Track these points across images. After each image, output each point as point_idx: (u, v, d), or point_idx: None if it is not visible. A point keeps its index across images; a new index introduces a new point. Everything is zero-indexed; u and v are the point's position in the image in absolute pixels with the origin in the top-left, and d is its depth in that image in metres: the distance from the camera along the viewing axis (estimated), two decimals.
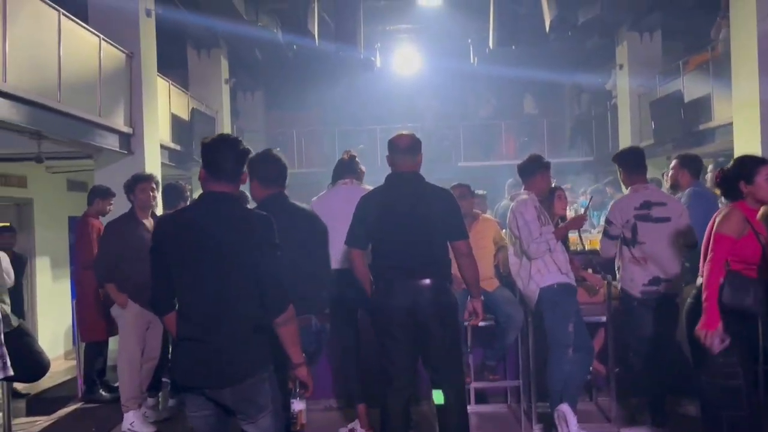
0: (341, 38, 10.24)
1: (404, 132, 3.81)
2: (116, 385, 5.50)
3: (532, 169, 4.39)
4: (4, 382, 4.37)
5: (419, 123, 16.51)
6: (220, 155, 2.64)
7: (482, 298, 3.85)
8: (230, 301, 2.57)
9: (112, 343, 5.88)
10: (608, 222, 4.43)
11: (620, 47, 12.70)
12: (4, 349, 2.72)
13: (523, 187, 4.47)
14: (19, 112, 5.52)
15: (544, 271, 4.23)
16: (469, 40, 13.11)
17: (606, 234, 4.44)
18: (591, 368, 4.56)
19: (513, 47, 11.41)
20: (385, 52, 14.09)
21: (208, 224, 2.60)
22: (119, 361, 4.92)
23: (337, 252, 3.85)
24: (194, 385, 2.59)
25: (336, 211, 3.95)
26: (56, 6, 6.27)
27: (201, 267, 2.58)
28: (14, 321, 4.01)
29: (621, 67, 12.66)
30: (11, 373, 2.75)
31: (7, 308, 3.94)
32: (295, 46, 10.97)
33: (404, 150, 3.67)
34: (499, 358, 5.03)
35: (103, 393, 5.82)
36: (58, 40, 6.27)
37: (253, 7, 10.99)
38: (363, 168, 4.64)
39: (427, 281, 3.50)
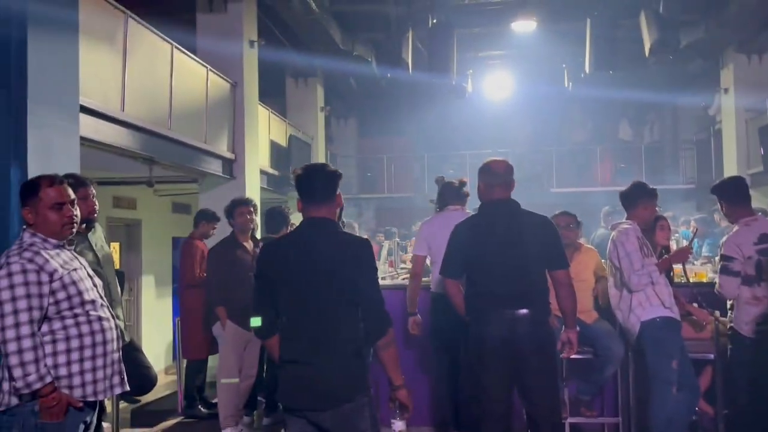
0: (434, 67, 10.32)
1: (496, 158, 3.73)
2: (214, 401, 5.70)
3: (636, 197, 4.24)
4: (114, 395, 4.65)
5: (510, 148, 16.36)
6: (311, 182, 2.73)
7: (577, 329, 3.74)
8: (333, 324, 2.62)
9: (212, 360, 6.11)
10: (727, 258, 4.07)
11: (725, 70, 12.15)
12: (123, 365, 2.87)
13: (624, 215, 4.34)
14: (134, 139, 5.91)
15: (645, 305, 4.07)
16: (564, 65, 12.91)
17: (727, 271, 4.06)
18: (697, 408, 4.33)
19: (610, 72, 11.14)
20: (477, 78, 14.08)
21: (310, 249, 2.67)
22: (218, 379, 5.11)
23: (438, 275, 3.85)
24: (296, 407, 2.64)
25: (446, 237, 3.90)
26: (169, 39, 6.70)
27: (304, 290, 2.65)
28: (126, 336, 4.24)
29: (726, 90, 12.10)
30: (128, 388, 2.90)
31: (122, 324, 4.19)
32: (388, 75, 11.16)
33: (499, 176, 3.59)
34: (595, 393, 4.86)
35: (202, 409, 6.01)
36: (170, 72, 6.68)
37: (350, 37, 11.30)
38: (468, 192, 4.65)
39: (525, 311, 3.42)
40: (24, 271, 2.55)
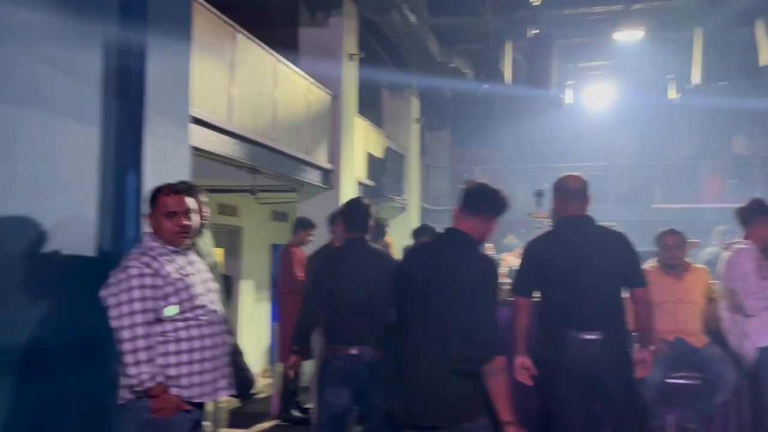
0: (533, 78, 10.13)
1: (572, 173, 3.62)
2: (308, 406, 5.79)
3: (754, 215, 3.98)
4: None
5: (609, 162, 15.82)
6: (476, 195, 2.76)
7: (653, 348, 3.53)
8: (450, 342, 2.57)
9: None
10: None
11: None
12: (229, 369, 2.96)
13: (740, 234, 4.08)
14: (240, 149, 6.13)
15: (762, 330, 3.81)
16: (670, 75, 12.36)
17: None
18: None
19: (720, 82, 10.58)
20: (577, 89, 13.73)
21: (437, 262, 2.66)
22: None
23: None
24: (409, 423, 2.62)
25: None
26: (274, 53, 6.92)
27: (425, 303, 2.63)
28: (230, 339, 4.38)
29: None
30: (234, 392, 2.99)
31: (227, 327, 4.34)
32: (485, 86, 11.08)
33: (573, 192, 3.48)
34: (701, 421, 4.56)
35: (296, 413, 6.13)
36: (274, 84, 6.91)
37: (447, 49, 11.30)
38: None
39: (600, 333, 3.28)
40: (141, 275, 2.68)
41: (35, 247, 3.14)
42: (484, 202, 2.76)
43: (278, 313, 6.33)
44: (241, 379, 4.36)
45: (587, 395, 3.37)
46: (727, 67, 10.53)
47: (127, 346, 2.63)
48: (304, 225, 6.29)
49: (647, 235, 6.54)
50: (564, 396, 3.34)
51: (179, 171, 4.02)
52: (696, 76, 10.38)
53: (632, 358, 3.45)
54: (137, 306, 2.65)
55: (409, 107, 13.55)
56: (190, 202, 2.89)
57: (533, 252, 3.53)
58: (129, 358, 2.63)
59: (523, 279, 3.49)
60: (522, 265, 3.54)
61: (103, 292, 2.70)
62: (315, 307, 3.75)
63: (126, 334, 2.62)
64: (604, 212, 5.11)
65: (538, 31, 10.10)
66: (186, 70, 4.30)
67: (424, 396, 2.57)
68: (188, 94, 4.36)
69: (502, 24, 10.33)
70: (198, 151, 5.33)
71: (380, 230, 5.74)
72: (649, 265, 4.65)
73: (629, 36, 11.29)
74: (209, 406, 4.46)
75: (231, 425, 6.22)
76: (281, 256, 6.38)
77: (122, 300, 2.65)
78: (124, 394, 2.74)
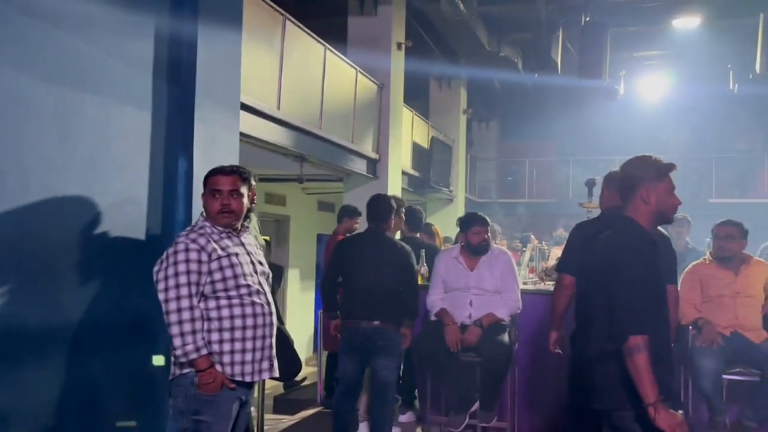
0: (585, 68, 9.87)
1: None
2: None
3: None
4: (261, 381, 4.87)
5: (664, 154, 15.34)
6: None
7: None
8: (592, 322, 2.58)
9: None
10: None
11: None
12: (274, 351, 2.98)
13: None
14: (288, 137, 6.17)
15: None
16: (729, 65, 11.91)
17: None
18: None
19: None
20: (630, 79, 13.35)
21: (593, 248, 2.70)
22: None
23: None
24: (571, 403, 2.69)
25: None
26: (323, 41, 6.93)
27: (578, 288, 2.77)
28: (278, 324, 4.41)
29: None
30: (277, 374, 3.01)
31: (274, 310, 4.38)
32: (536, 75, 10.88)
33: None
34: (764, 420, 4.39)
35: None
36: (322, 73, 6.92)
37: (496, 39, 11.15)
38: None
39: None
40: (187, 250, 2.74)
41: (90, 228, 3.21)
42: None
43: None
44: (290, 364, 4.41)
45: None
46: None
47: (172, 318, 2.68)
48: (349, 213, 6.28)
49: (703, 231, 6.33)
50: None
51: (229, 156, 4.05)
52: (759, 65, 9.95)
53: None
54: (182, 279, 2.70)
55: (457, 98, 13.43)
56: (236, 183, 2.89)
57: (578, 233, 3.73)
58: (174, 330, 2.68)
59: (567, 256, 3.72)
60: (567, 244, 3.77)
61: (154, 269, 2.77)
62: (332, 285, 4.46)
63: (171, 306, 2.68)
64: None
65: (590, 19, 9.85)
66: (237, 57, 4.33)
67: (577, 378, 2.62)
68: (239, 81, 4.39)
69: (554, 12, 10.11)
70: (246, 138, 5.38)
71: (416, 221, 5.72)
72: (704, 258, 4.51)
73: (687, 23, 10.93)
74: (255, 392, 4.52)
75: (276, 411, 6.30)
76: (327, 244, 6.40)
77: (168, 274, 2.71)
78: (174, 370, 2.80)
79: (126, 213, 3.45)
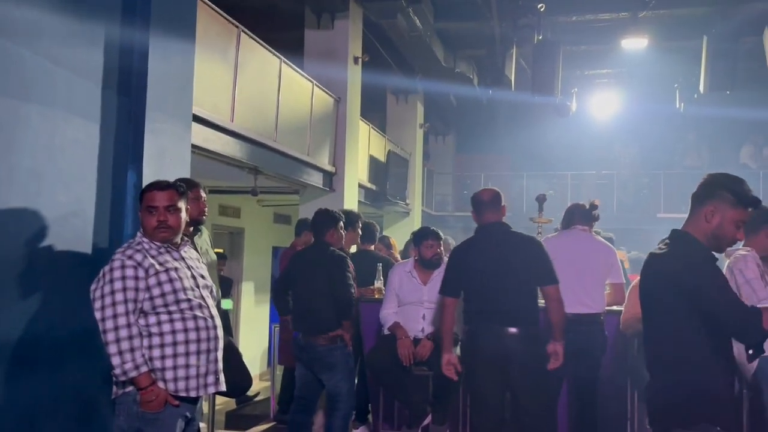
0: (538, 85, 10.09)
1: (486, 188, 4.04)
2: None
3: (760, 224, 3.95)
4: (211, 396, 4.78)
5: (614, 170, 15.76)
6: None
7: (562, 343, 3.74)
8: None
9: None
10: None
11: None
12: (219, 365, 2.94)
13: (742, 243, 4.04)
14: (242, 149, 6.12)
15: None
16: (676, 84, 12.32)
17: None
18: None
19: (727, 92, 10.51)
20: (582, 97, 13.68)
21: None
22: None
23: (566, 293, 3.83)
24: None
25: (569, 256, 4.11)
26: (278, 54, 6.92)
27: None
28: (225, 337, 4.35)
29: None
30: (223, 388, 2.97)
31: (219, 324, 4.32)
32: (490, 91, 11.06)
33: (486, 203, 3.84)
34: None
35: None
36: (278, 85, 6.90)
37: (452, 54, 11.29)
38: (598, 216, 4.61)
39: (514, 329, 3.60)
40: (123, 267, 2.72)
41: (33, 242, 3.13)
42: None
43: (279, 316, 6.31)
44: (239, 379, 4.35)
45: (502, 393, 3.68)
46: (734, 76, 10.46)
47: (109, 336, 2.64)
48: (307, 226, 6.25)
49: (651, 244, 6.51)
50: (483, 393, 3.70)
51: (179, 169, 4.00)
52: (702, 86, 10.31)
53: (544, 357, 3.69)
54: (119, 297, 2.67)
55: (414, 112, 13.55)
56: (173, 198, 2.86)
57: (454, 257, 3.89)
58: (112, 348, 2.64)
59: (448, 279, 3.85)
60: (447, 268, 3.89)
61: (91, 287, 2.73)
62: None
63: (108, 324, 2.64)
64: (608, 221, 5.12)
65: (543, 37, 10.08)
66: (189, 68, 4.28)
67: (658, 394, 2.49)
68: (191, 92, 4.34)
69: (508, 29, 10.30)
70: (199, 150, 5.33)
71: (369, 234, 5.73)
72: None
73: (636, 44, 11.26)
74: (205, 408, 4.45)
75: (228, 427, 6.20)
76: (282, 255, 6.36)
77: (105, 292, 2.67)
78: (115, 389, 2.75)
79: (72, 226, 3.37)
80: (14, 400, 2.93)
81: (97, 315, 2.66)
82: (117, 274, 2.69)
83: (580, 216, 4.49)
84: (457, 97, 13.68)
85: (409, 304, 4.51)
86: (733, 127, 13.98)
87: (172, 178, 3.07)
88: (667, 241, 2.58)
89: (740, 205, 2.45)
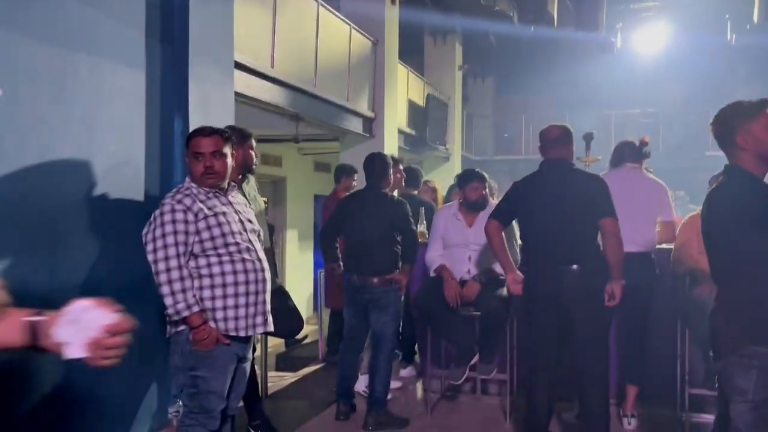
0: (582, 21, 9.79)
1: (554, 124, 3.91)
2: None
3: None
4: (264, 337, 4.91)
5: (660, 107, 15.29)
6: None
7: (623, 282, 3.62)
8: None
9: None
10: None
11: None
12: (268, 306, 3.01)
13: None
14: (283, 95, 6.11)
15: None
16: (727, 15, 11.78)
17: None
18: None
19: None
20: (627, 32, 13.20)
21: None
22: None
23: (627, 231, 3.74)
24: None
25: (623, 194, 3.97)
26: None
27: None
28: (273, 280, 4.43)
29: None
30: (271, 329, 3.05)
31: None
32: (532, 28, 10.75)
33: (549, 141, 3.77)
34: None
35: None
36: (315, 30, 6.81)
37: None
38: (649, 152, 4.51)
39: (575, 266, 3.52)
40: (173, 210, 2.77)
41: (88, 190, 3.21)
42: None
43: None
44: (291, 321, 4.45)
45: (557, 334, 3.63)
46: None
47: (162, 278, 2.71)
48: (346, 171, 6.28)
49: (698, 184, 6.34)
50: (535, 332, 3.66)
51: (224, 115, 4.03)
52: (756, 15, 9.84)
53: (601, 294, 3.60)
54: (170, 240, 2.73)
55: (453, 54, 13.28)
56: (218, 144, 2.88)
57: (515, 188, 3.83)
58: (165, 289, 2.71)
59: (502, 208, 3.82)
60: (504, 198, 3.86)
61: (143, 231, 2.79)
62: (331, 238, 4.55)
63: (161, 266, 2.71)
64: (654, 160, 4.98)
65: None
66: (230, 14, 4.26)
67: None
68: (232, 38, 4.33)
69: None
70: (241, 97, 5.33)
71: (414, 178, 5.73)
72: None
73: None
74: (257, 350, 4.58)
75: (278, 369, 6.38)
76: (325, 203, 6.40)
77: (156, 235, 2.74)
78: (169, 328, 2.85)
79: (124, 174, 3.44)
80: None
81: (150, 257, 2.73)
82: (167, 218, 2.75)
83: (630, 153, 4.38)
84: (496, 36, 13.33)
85: (455, 246, 4.52)
86: None
87: (217, 125, 3.09)
88: (722, 177, 2.52)
89: (755, 113, 2.42)
